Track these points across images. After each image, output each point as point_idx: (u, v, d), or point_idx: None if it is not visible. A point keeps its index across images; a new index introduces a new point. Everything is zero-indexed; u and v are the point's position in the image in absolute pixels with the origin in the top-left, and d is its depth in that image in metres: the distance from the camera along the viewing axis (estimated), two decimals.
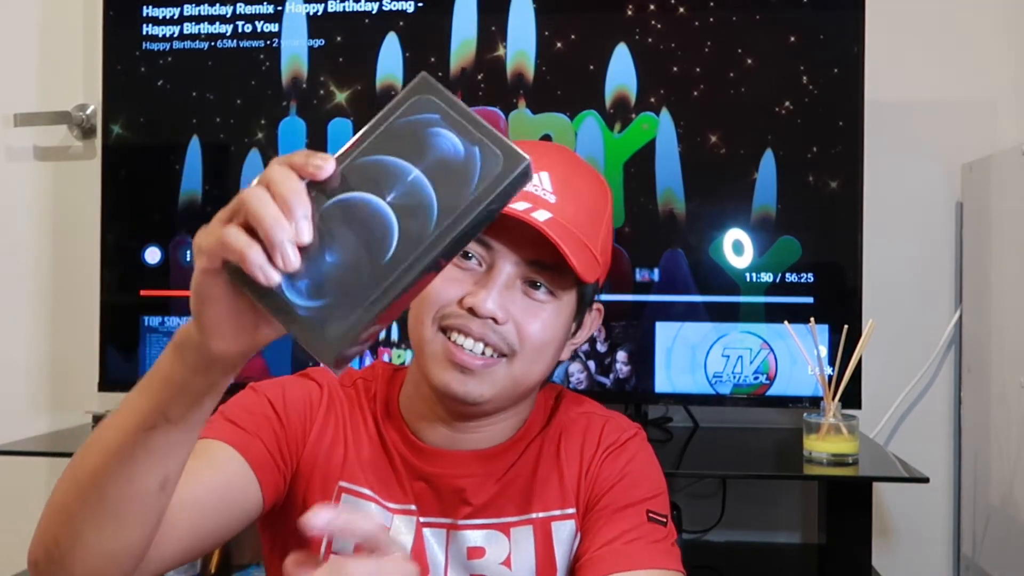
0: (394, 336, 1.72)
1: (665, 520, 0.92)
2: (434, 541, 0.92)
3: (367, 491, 0.91)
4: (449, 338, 0.85)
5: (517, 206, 0.82)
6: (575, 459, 0.95)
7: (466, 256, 0.86)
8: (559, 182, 0.87)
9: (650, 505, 0.91)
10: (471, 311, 0.84)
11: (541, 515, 0.93)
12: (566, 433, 0.96)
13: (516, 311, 0.86)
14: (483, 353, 0.85)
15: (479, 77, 1.71)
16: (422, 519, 0.92)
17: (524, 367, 0.87)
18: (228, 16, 1.79)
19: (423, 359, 0.88)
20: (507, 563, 0.91)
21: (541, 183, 0.86)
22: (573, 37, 1.71)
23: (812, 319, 1.54)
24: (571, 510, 0.93)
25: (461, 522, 0.92)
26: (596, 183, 0.95)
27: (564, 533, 0.92)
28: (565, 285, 0.88)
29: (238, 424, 0.88)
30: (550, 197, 0.85)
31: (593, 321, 0.97)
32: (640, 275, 1.68)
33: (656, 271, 1.68)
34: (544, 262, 0.86)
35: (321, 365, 0.76)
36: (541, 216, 0.83)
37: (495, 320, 0.84)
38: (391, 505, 0.92)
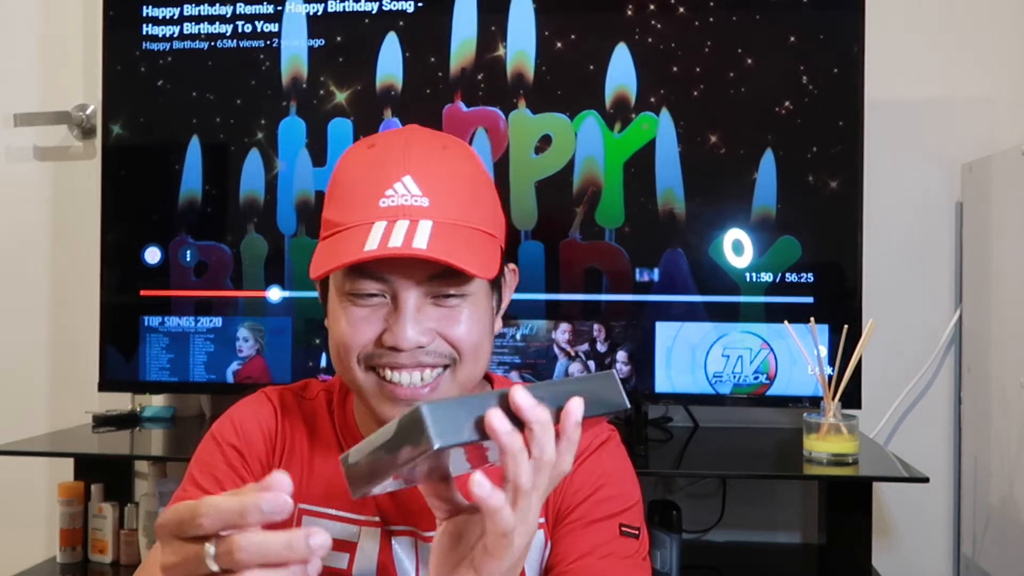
0: None
1: (637, 532, 0.91)
2: (402, 551, 0.91)
3: (330, 510, 0.91)
4: (383, 376, 0.83)
5: (394, 241, 0.77)
6: None
7: (369, 295, 0.83)
8: (425, 179, 0.81)
9: (623, 518, 0.90)
10: (394, 349, 0.82)
11: None
12: None
13: (437, 325, 0.83)
14: (422, 380, 0.83)
15: (479, 77, 1.71)
16: (388, 528, 0.91)
17: (468, 370, 0.85)
18: (228, 16, 1.79)
19: (364, 398, 0.86)
20: None
21: (408, 190, 0.80)
22: (573, 37, 1.71)
23: (812, 319, 1.54)
24: (540, 519, 0.90)
25: (428, 533, 0.90)
26: (462, 158, 0.87)
27: (533, 543, 0.90)
28: (471, 278, 0.84)
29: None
30: (422, 201, 0.80)
31: (511, 282, 0.94)
32: (640, 275, 1.68)
33: (656, 271, 1.68)
34: (443, 272, 0.81)
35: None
36: (424, 230, 0.79)
37: (421, 346, 0.82)
38: (356, 517, 0.91)
